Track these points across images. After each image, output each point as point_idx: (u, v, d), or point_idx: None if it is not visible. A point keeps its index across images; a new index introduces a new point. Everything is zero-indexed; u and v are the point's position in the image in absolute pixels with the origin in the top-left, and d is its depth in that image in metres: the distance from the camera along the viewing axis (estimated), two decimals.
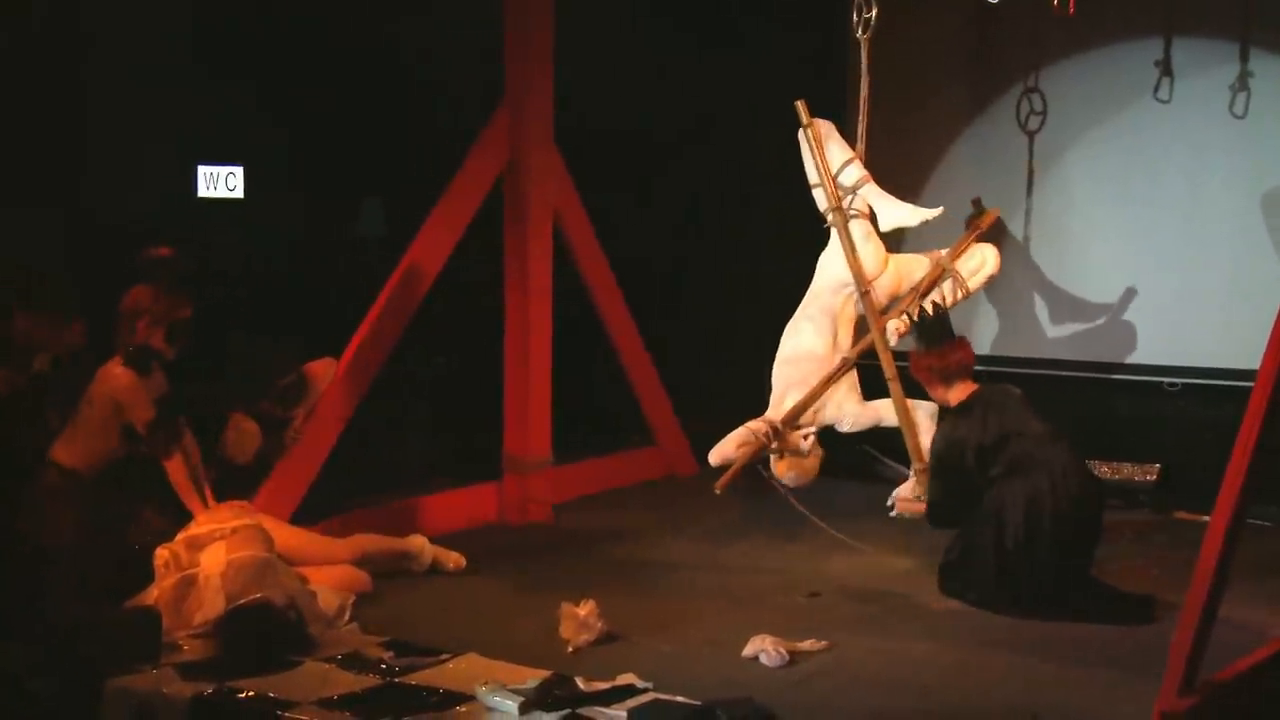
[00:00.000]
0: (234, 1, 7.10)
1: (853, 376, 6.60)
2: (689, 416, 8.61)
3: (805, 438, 6.49)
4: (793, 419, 6.49)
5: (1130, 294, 7.75)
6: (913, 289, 6.63)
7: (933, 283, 6.58)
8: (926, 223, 6.58)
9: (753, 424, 6.47)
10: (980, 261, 6.71)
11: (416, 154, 7.66)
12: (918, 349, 6.10)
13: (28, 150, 6.48)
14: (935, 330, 6.09)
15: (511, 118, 7.42)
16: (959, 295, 6.61)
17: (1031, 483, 5.63)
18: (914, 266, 6.67)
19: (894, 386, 6.43)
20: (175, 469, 5.76)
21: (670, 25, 8.57)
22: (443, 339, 7.81)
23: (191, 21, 7.02)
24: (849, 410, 6.53)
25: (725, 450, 6.44)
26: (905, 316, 6.43)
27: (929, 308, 6.25)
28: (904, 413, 6.40)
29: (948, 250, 6.75)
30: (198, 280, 6.05)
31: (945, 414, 6.01)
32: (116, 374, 5.69)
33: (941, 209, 6.60)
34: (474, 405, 7.88)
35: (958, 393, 5.96)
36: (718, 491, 6.42)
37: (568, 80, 7.66)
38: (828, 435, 6.70)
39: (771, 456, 6.48)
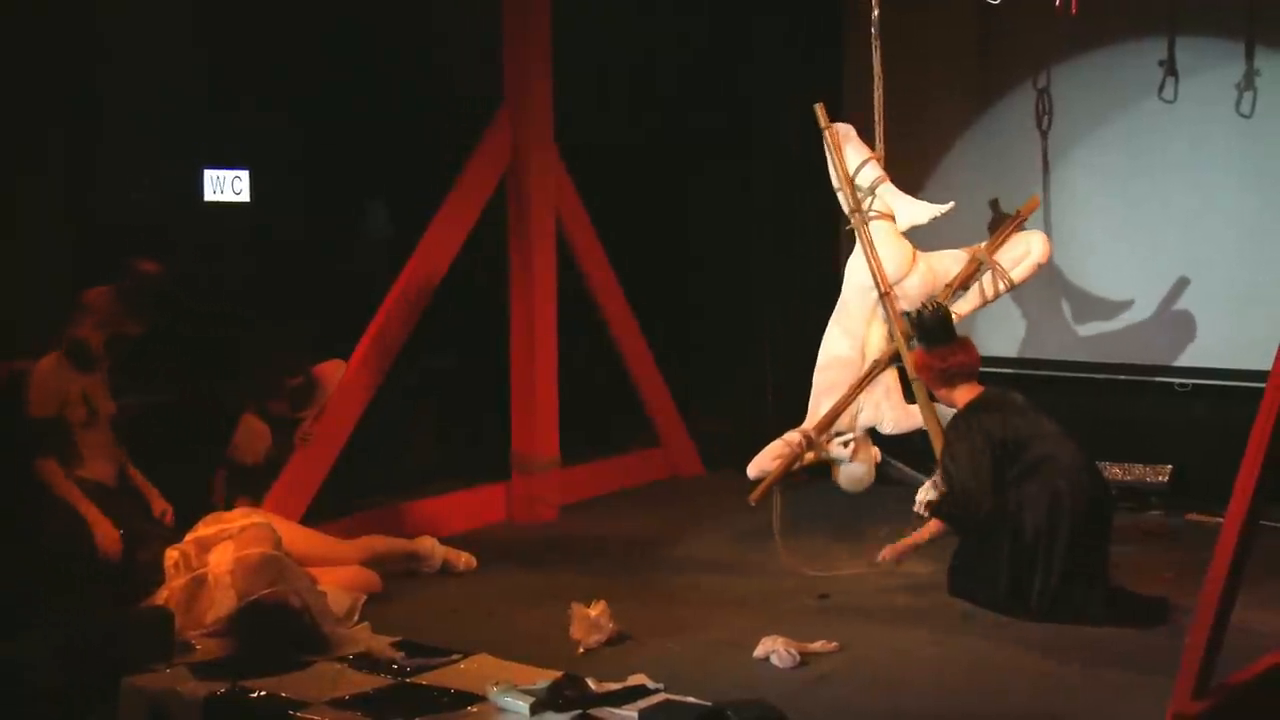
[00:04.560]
0: (238, 6, 7.10)
1: (890, 378, 6.49)
2: (694, 418, 8.61)
3: (845, 444, 6.43)
4: (825, 427, 6.41)
5: (1139, 294, 7.71)
6: (948, 286, 6.46)
7: (969, 277, 6.40)
8: (940, 218, 6.49)
9: (789, 435, 6.43)
10: (1024, 250, 6.48)
11: (420, 156, 7.67)
12: (919, 349, 6.03)
13: (38, 153, 6.49)
14: (933, 330, 5.98)
15: (512, 118, 7.42)
16: (1000, 288, 6.42)
17: (1051, 485, 5.61)
18: (950, 264, 6.48)
19: (918, 388, 6.32)
20: (49, 471, 5.59)
21: (673, 21, 8.57)
22: (449, 340, 7.81)
23: (197, 27, 7.02)
24: (887, 413, 6.45)
25: (762, 463, 6.40)
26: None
27: (927, 307, 6.12)
28: (931, 414, 6.32)
29: (986, 243, 6.56)
30: (205, 285, 6.07)
31: (957, 414, 5.90)
32: (38, 364, 5.64)
33: (952, 204, 6.52)
34: (481, 406, 7.88)
35: (962, 395, 5.88)
36: (751, 503, 6.39)
37: (569, 80, 7.66)
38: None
39: (833, 466, 6.48)
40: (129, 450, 5.91)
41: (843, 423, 6.45)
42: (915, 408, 6.41)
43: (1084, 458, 5.74)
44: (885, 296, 6.40)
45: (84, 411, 5.63)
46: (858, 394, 6.42)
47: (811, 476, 6.68)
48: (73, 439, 5.63)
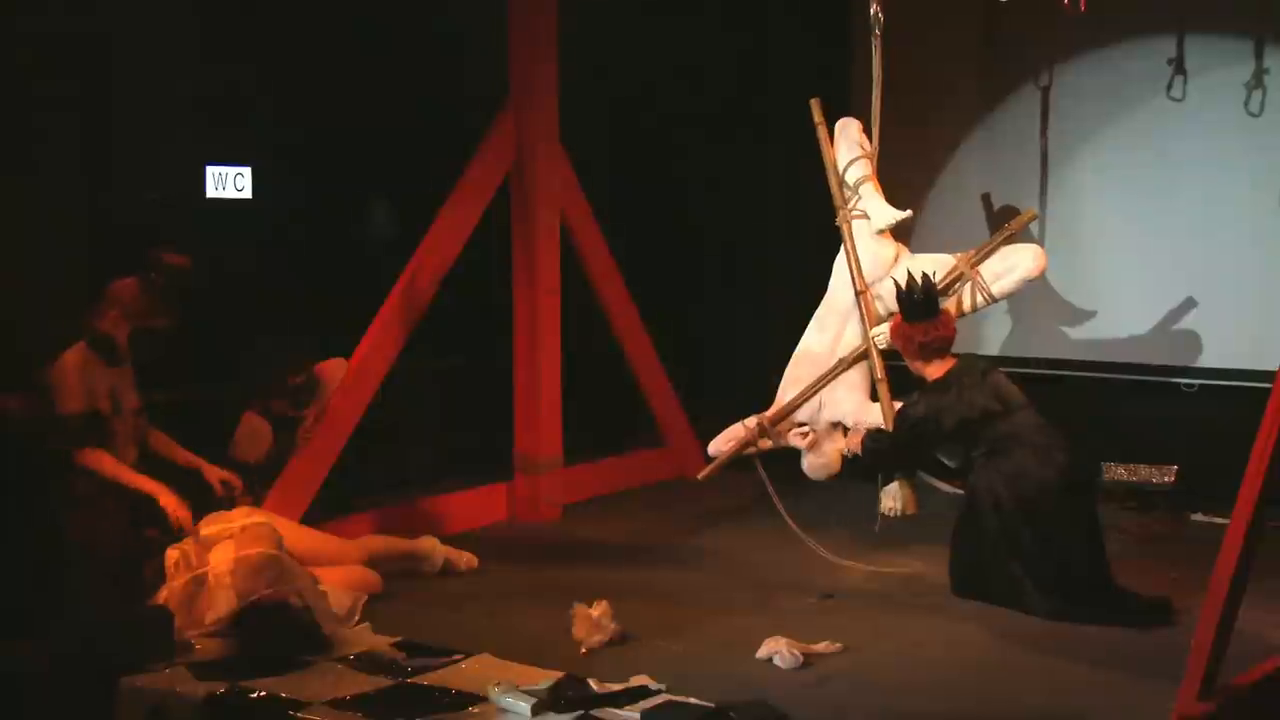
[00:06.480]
0: (243, 3, 7.10)
1: (855, 375, 6.51)
2: (701, 418, 8.58)
3: (804, 435, 6.49)
4: (780, 418, 6.53)
5: (1146, 294, 7.70)
6: None
7: (949, 285, 6.34)
8: (903, 222, 6.50)
9: (747, 420, 6.58)
10: (1010, 265, 6.34)
11: (424, 153, 7.65)
12: (902, 317, 6.03)
13: (41, 149, 6.49)
14: (918, 306, 5.99)
15: (517, 117, 7.40)
16: (979, 300, 6.34)
17: (1015, 460, 5.69)
18: (934, 268, 6.38)
19: (881, 388, 6.38)
20: (97, 459, 5.58)
21: (679, 19, 8.55)
22: (452, 339, 7.80)
23: (200, 23, 7.02)
24: (846, 409, 6.49)
25: (718, 444, 6.63)
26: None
27: (917, 279, 6.07)
28: (890, 410, 6.34)
29: (972, 251, 6.46)
30: (208, 282, 6.04)
31: (926, 387, 5.95)
32: (63, 357, 5.59)
33: (909, 212, 6.50)
34: (484, 405, 7.87)
35: (935, 368, 5.96)
36: (699, 479, 6.63)
37: (574, 77, 7.64)
38: None
39: (805, 451, 6.55)
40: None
41: (805, 415, 6.53)
42: (877, 405, 6.42)
43: (1058, 436, 5.77)
44: (861, 295, 6.42)
45: (109, 405, 5.60)
46: (818, 389, 6.49)
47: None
48: (107, 430, 5.61)
